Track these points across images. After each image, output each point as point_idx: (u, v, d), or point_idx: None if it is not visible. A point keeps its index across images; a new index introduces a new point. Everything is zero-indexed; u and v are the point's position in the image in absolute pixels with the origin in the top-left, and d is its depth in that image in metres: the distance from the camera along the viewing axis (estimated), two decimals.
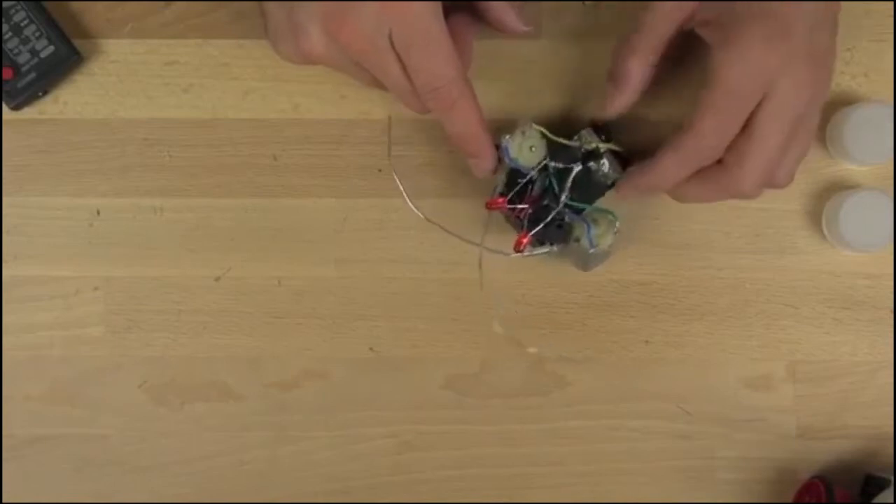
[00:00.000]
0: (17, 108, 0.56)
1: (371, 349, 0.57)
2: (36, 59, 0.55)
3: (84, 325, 0.57)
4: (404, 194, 0.54)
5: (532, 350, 0.56)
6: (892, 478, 0.53)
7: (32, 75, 0.55)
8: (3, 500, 0.57)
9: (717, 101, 0.47)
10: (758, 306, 0.56)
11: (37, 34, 0.55)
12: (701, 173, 0.49)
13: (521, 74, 0.57)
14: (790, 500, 0.56)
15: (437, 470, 0.56)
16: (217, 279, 0.57)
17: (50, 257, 0.57)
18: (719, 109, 0.47)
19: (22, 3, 0.55)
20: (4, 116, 0.57)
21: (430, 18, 0.48)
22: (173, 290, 0.57)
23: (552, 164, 0.52)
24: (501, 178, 0.53)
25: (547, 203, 0.53)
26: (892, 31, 0.56)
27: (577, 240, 0.53)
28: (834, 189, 0.56)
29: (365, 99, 0.57)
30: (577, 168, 0.52)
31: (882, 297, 0.56)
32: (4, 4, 0.55)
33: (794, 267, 0.57)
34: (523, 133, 0.53)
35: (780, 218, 0.57)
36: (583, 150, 0.53)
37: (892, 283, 0.56)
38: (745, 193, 0.49)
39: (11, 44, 0.55)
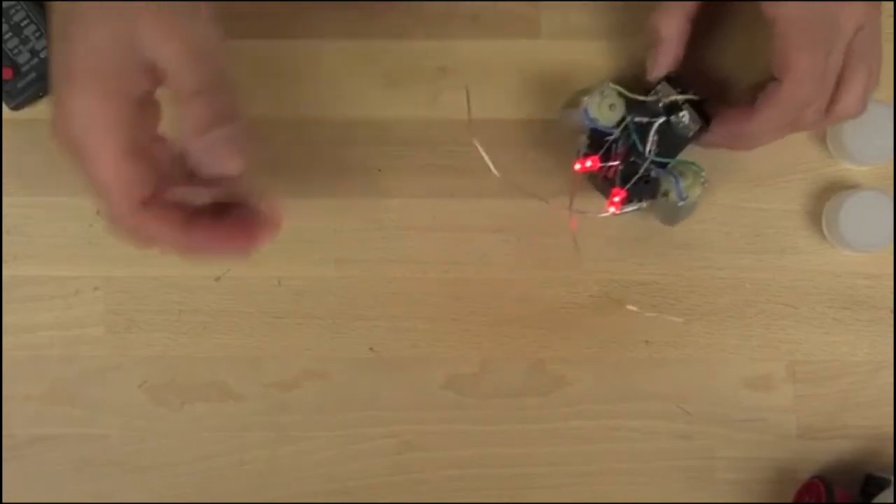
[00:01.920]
0: (16, 108, 0.56)
1: (371, 349, 0.57)
2: (36, 60, 0.55)
3: (84, 325, 0.57)
4: (486, 160, 0.52)
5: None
6: (892, 478, 0.53)
7: (32, 75, 0.55)
8: (3, 500, 0.57)
9: (794, 43, 0.48)
10: (758, 306, 0.56)
11: (37, 34, 0.55)
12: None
13: (521, 74, 0.57)
14: (790, 500, 0.56)
15: (437, 470, 0.56)
16: (217, 279, 0.57)
17: (50, 257, 0.57)
18: (812, 53, 0.48)
19: (22, 2, 0.55)
20: (4, 116, 0.57)
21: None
22: (173, 290, 0.57)
23: (634, 119, 0.52)
24: (584, 139, 0.53)
25: (633, 159, 0.52)
26: (892, 31, 0.56)
27: (666, 194, 0.53)
28: (834, 189, 0.56)
29: (365, 99, 0.57)
30: (660, 121, 0.52)
31: (882, 297, 0.56)
32: (4, 4, 0.55)
33: (794, 267, 0.57)
34: (602, 93, 0.52)
35: (780, 218, 0.57)
36: (661, 103, 0.53)
37: (892, 283, 0.56)
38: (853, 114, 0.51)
39: (11, 44, 0.55)
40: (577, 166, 0.52)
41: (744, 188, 0.57)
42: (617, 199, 0.52)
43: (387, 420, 0.57)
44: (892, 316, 0.56)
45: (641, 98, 0.53)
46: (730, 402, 0.56)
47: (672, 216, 0.54)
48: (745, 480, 0.56)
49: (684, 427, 0.56)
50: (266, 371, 0.57)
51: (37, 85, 0.55)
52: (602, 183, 0.53)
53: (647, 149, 0.52)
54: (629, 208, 0.53)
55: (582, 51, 0.57)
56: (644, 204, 0.53)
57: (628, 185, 0.52)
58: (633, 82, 0.53)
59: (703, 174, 0.52)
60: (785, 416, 0.56)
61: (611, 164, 0.52)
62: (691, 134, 0.53)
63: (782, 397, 0.56)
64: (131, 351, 0.57)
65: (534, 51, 0.57)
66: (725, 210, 0.57)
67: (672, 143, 0.53)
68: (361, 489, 0.57)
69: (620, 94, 0.53)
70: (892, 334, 0.56)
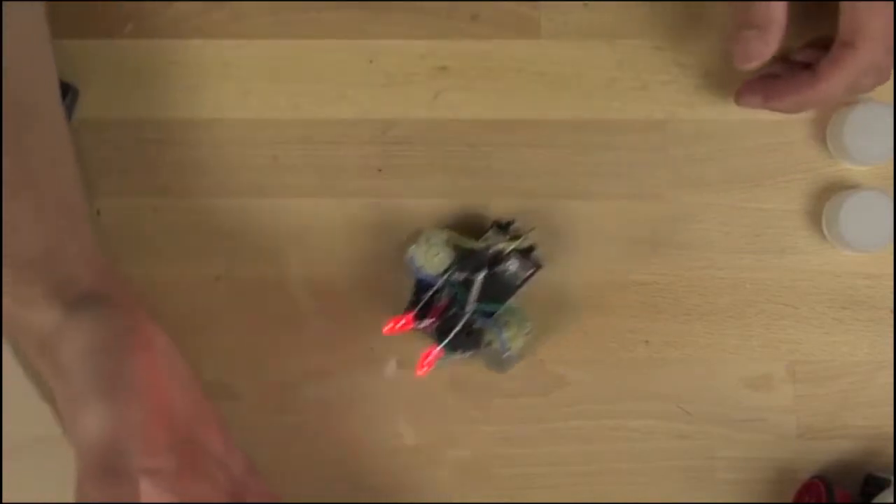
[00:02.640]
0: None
1: (371, 349, 0.57)
2: None
3: None
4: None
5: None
6: (892, 478, 0.53)
7: None
8: (3, 501, 0.57)
9: (867, 6, 0.48)
10: (758, 306, 0.56)
11: None
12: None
13: (521, 74, 0.57)
14: (790, 500, 0.56)
15: (438, 470, 0.56)
16: (217, 279, 0.57)
17: None
18: (885, 15, 0.48)
19: None
20: None
21: None
22: (173, 290, 0.57)
23: (454, 275, 0.52)
24: (412, 288, 0.53)
25: (455, 311, 0.52)
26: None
27: (490, 344, 0.53)
28: (834, 189, 0.56)
29: (365, 99, 0.57)
30: (482, 275, 0.52)
31: (882, 297, 0.56)
32: None
33: (794, 267, 0.57)
34: (428, 240, 0.52)
35: (780, 218, 0.57)
36: (490, 250, 0.52)
37: (892, 283, 0.56)
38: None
39: None
40: (387, 327, 0.52)
41: (744, 188, 0.57)
42: (428, 360, 0.51)
43: (387, 420, 0.57)
44: (892, 316, 0.56)
45: (470, 245, 0.52)
46: (730, 402, 0.56)
47: (498, 364, 0.54)
48: (745, 480, 0.56)
49: (684, 427, 0.56)
50: (266, 371, 0.57)
51: None
52: (425, 334, 0.53)
53: (470, 300, 0.52)
54: (451, 357, 0.52)
55: (582, 51, 0.57)
56: (468, 354, 0.53)
57: (448, 339, 0.51)
58: (470, 221, 0.54)
59: (528, 324, 0.52)
60: (785, 416, 0.56)
61: (424, 323, 0.52)
62: (520, 282, 0.53)
63: (782, 397, 0.56)
64: None
65: (534, 51, 0.57)
66: (725, 210, 0.57)
67: (500, 290, 0.53)
68: (362, 489, 0.57)
69: (448, 241, 0.52)
70: (892, 334, 0.56)
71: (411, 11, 0.57)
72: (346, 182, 0.57)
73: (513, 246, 0.52)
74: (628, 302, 0.56)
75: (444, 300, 0.52)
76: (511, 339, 0.52)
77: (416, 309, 0.52)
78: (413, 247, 0.53)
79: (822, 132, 0.57)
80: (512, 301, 0.53)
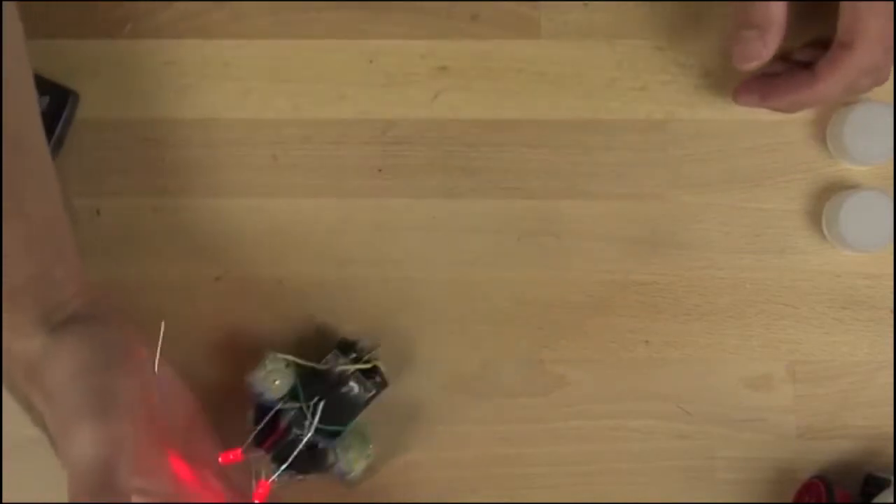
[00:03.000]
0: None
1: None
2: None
3: None
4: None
5: None
6: (892, 478, 0.53)
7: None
8: (3, 501, 0.57)
9: (867, 7, 0.47)
10: (758, 306, 0.56)
11: None
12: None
13: (521, 74, 0.57)
14: (790, 500, 0.56)
15: (438, 470, 0.56)
16: (217, 279, 0.57)
17: None
18: (885, 17, 0.48)
19: None
20: None
21: None
22: (173, 290, 0.57)
23: (291, 404, 0.52)
24: (250, 415, 0.53)
25: (294, 435, 0.51)
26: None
27: (332, 465, 0.52)
28: (834, 189, 0.56)
29: (365, 99, 0.57)
30: (320, 401, 0.51)
31: (882, 297, 0.56)
32: None
33: (794, 267, 0.57)
34: (265, 365, 0.52)
35: (780, 218, 0.57)
36: (333, 371, 0.52)
37: (892, 283, 0.56)
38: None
39: None
40: (220, 459, 0.51)
41: (744, 188, 0.57)
42: (262, 491, 0.51)
43: (387, 420, 0.56)
44: (892, 316, 0.56)
45: (312, 366, 0.52)
46: (730, 402, 0.56)
47: (343, 482, 0.53)
48: (745, 480, 0.56)
49: (684, 427, 0.56)
50: None
51: (51, 138, 0.54)
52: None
53: (308, 423, 0.51)
54: (296, 478, 0.52)
55: (582, 51, 0.57)
56: (311, 475, 0.52)
57: (283, 467, 0.51)
58: (317, 339, 0.54)
59: (370, 447, 0.52)
60: (785, 416, 0.56)
61: (260, 451, 0.51)
62: (363, 402, 0.53)
63: (782, 397, 0.56)
64: None
65: (534, 51, 0.57)
66: (725, 210, 0.57)
67: (343, 411, 0.52)
68: (362, 489, 0.56)
69: (289, 363, 0.52)
70: (892, 334, 0.56)
71: (411, 11, 0.57)
72: (346, 182, 0.57)
73: (355, 367, 0.52)
74: (628, 302, 0.56)
75: (282, 424, 0.52)
76: (352, 461, 0.52)
77: (254, 435, 0.52)
78: (252, 372, 0.52)
79: (822, 132, 0.57)
80: (359, 419, 0.53)
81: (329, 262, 0.57)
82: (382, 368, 0.53)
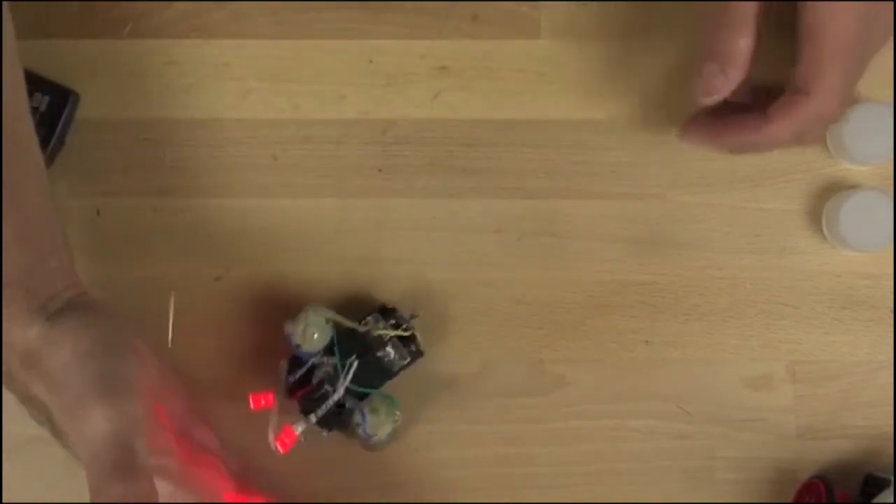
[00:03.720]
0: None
1: None
2: (39, 115, 0.55)
3: None
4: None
5: None
6: (892, 478, 0.53)
7: (43, 131, 0.55)
8: (3, 501, 0.57)
9: (829, 56, 0.47)
10: (758, 306, 0.56)
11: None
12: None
13: (521, 74, 0.57)
14: (790, 500, 0.56)
15: (438, 470, 0.56)
16: (217, 279, 0.57)
17: None
18: (845, 70, 0.47)
19: None
20: None
21: None
22: (173, 290, 0.57)
23: (328, 358, 0.52)
24: (283, 364, 0.53)
25: (325, 390, 0.52)
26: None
27: (357, 426, 0.53)
28: (834, 189, 0.56)
29: (365, 99, 0.57)
30: (357, 357, 0.52)
31: (882, 297, 0.56)
32: None
33: (794, 267, 0.57)
34: (306, 318, 0.52)
35: (780, 218, 0.57)
36: (370, 335, 0.53)
37: (892, 283, 0.56)
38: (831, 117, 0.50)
39: None
40: (252, 403, 0.52)
41: (744, 188, 0.57)
42: (287, 441, 0.51)
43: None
44: (892, 316, 0.56)
45: (350, 325, 0.53)
46: (730, 402, 0.56)
47: (366, 446, 0.54)
48: (745, 480, 0.56)
49: (684, 427, 0.56)
50: (266, 371, 0.57)
51: (52, 138, 0.55)
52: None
53: (341, 380, 0.51)
54: (321, 434, 0.52)
55: (582, 51, 0.57)
56: (332, 432, 0.53)
57: (317, 418, 0.52)
58: (353, 301, 0.54)
59: (398, 413, 0.52)
60: (785, 416, 0.56)
61: (293, 396, 0.52)
62: (397, 369, 0.53)
63: (782, 397, 0.56)
64: None
65: (534, 51, 0.57)
66: (725, 210, 0.57)
67: (376, 375, 0.53)
68: (362, 489, 0.57)
69: (328, 320, 0.52)
70: (892, 334, 0.56)
71: (411, 11, 0.57)
72: (346, 182, 0.57)
73: (394, 333, 0.53)
74: (628, 302, 0.56)
75: (317, 378, 0.52)
76: (378, 424, 0.52)
77: (289, 386, 0.52)
78: (291, 322, 0.52)
79: None
80: (388, 386, 0.53)
81: (329, 262, 0.57)
82: (419, 338, 0.53)
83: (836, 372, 0.56)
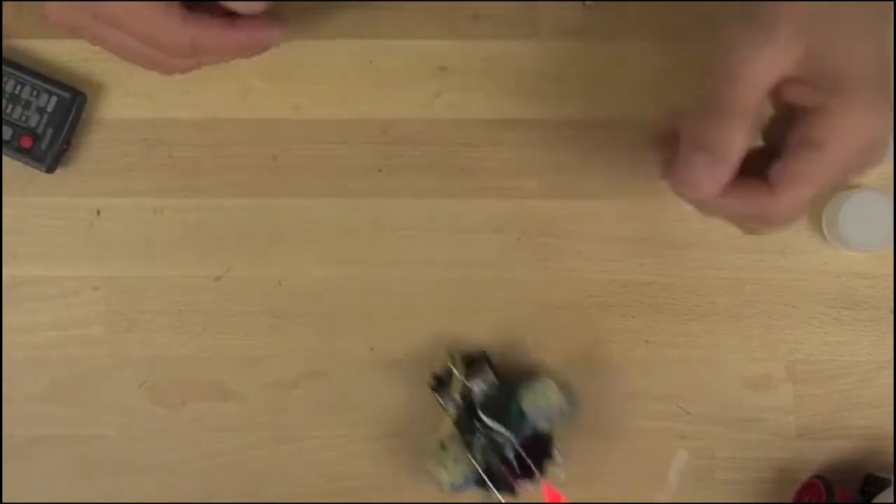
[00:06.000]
0: (50, 169, 0.56)
1: (371, 349, 0.57)
2: (46, 116, 0.55)
3: (84, 325, 0.57)
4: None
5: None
6: (892, 478, 0.53)
7: (50, 132, 0.55)
8: (3, 501, 0.57)
9: (819, 169, 0.41)
10: (758, 306, 0.56)
11: (34, 93, 0.55)
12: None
13: (521, 74, 0.57)
14: (790, 500, 0.56)
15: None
16: (217, 279, 0.57)
17: (50, 257, 0.57)
18: (820, 179, 0.41)
19: (5, 70, 0.55)
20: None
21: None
22: (173, 291, 0.57)
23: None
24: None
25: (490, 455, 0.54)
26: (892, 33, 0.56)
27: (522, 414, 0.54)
28: (834, 189, 0.56)
29: (365, 99, 0.57)
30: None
31: (882, 297, 0.56)
32: None
33: (794, 267, 0.57)
34: (443, 462, 0.54)
35: None
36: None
37: (892, 283, 0.56)
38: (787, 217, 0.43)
39: (16, 113, 0.55)
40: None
41: None
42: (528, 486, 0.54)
43: (387, 420, 0.57)
44: (892, 316, 0.56)
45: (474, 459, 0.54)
46: (730, 402, 0.56)
47: (559, 419, 0.55)
48: (745, 480, 0.56)
49: (684, 427, 0.56)
50: (266, 371, 0.57)
51: (58, 139, 0.55)
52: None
53: (506, 433, 0.54)
54: (545, 472, 0.54)
55: (582, 51, 0.57)
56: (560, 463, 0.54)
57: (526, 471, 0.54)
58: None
59: (547, 381, 0.54)
60: (785, 415, 0.56)
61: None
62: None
63: (782, 397, 0.56)
64: (131, 351, 0.57)
65: (534, 51, 0.57)
66: None
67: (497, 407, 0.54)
68: (362, 489, 0.57)
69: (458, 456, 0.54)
70: (892, 334, 0.56)
71: (411, 11, 0.57)
72: (346, 182, 0.57)
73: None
74: (628, 302, 0.56)
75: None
76: (543, 402, 0.54)
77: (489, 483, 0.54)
78: (433, 469, 0.54)
79: None
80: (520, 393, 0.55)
81: (329, 262, 0.57)
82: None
83: (836, 372, 0.56)
